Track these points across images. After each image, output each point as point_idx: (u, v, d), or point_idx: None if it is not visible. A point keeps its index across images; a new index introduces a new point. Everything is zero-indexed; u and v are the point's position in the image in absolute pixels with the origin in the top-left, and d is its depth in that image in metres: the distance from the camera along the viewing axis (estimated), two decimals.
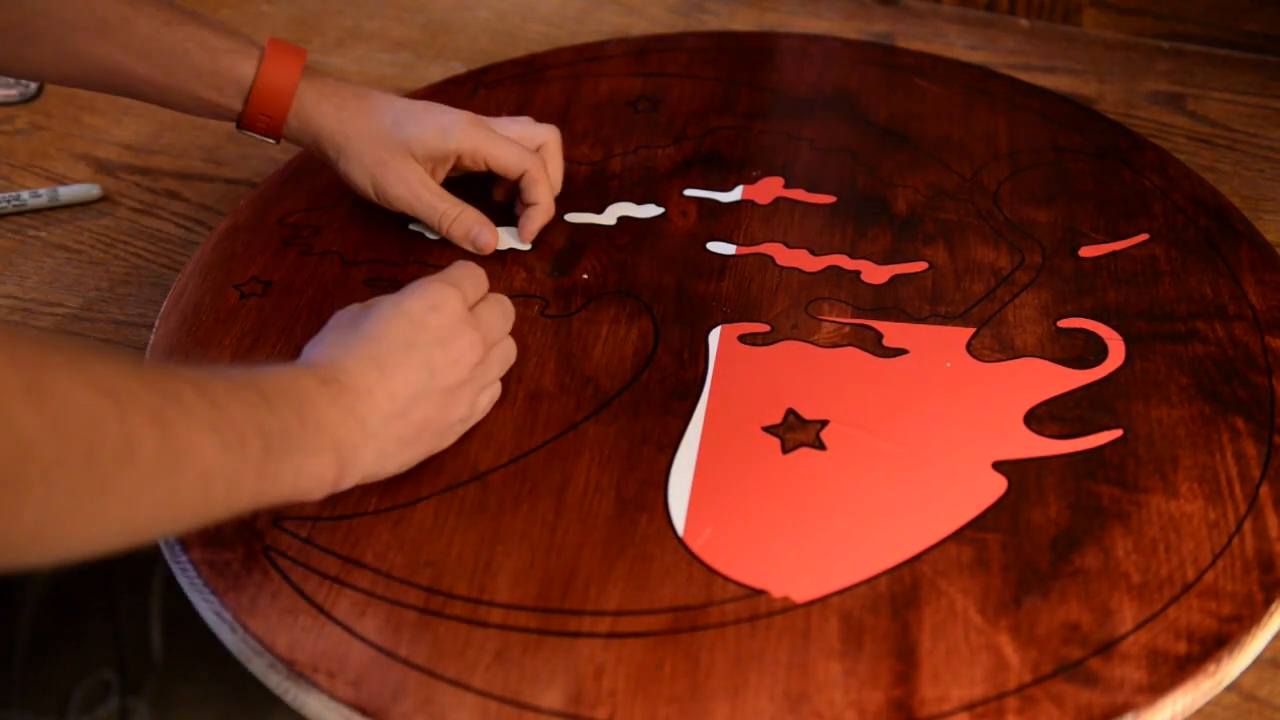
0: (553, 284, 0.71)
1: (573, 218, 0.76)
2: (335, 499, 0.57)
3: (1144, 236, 0.72)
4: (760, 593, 0.54)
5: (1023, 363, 0.64)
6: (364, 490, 0.58)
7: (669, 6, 1.05)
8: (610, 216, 0.76)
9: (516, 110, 0.84)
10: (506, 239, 0.74)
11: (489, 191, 0.76)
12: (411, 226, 0.75)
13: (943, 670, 0.51)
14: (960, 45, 0.98)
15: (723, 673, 0.51)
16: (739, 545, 0.56)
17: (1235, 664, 0.52)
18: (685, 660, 0.52)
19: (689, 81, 0.87)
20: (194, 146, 0.93)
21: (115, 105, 0.97)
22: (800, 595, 0.54)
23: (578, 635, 0.53)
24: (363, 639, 0.53)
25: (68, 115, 0.96)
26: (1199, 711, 0.52)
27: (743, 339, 0.67)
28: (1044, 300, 0.68)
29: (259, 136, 0.72)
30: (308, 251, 0.74)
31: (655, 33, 0.98)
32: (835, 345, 0.66)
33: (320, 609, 0.55)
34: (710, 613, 0.54)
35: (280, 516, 0.58)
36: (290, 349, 0.67)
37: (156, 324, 0.70)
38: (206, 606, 0.56)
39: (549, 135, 0.75)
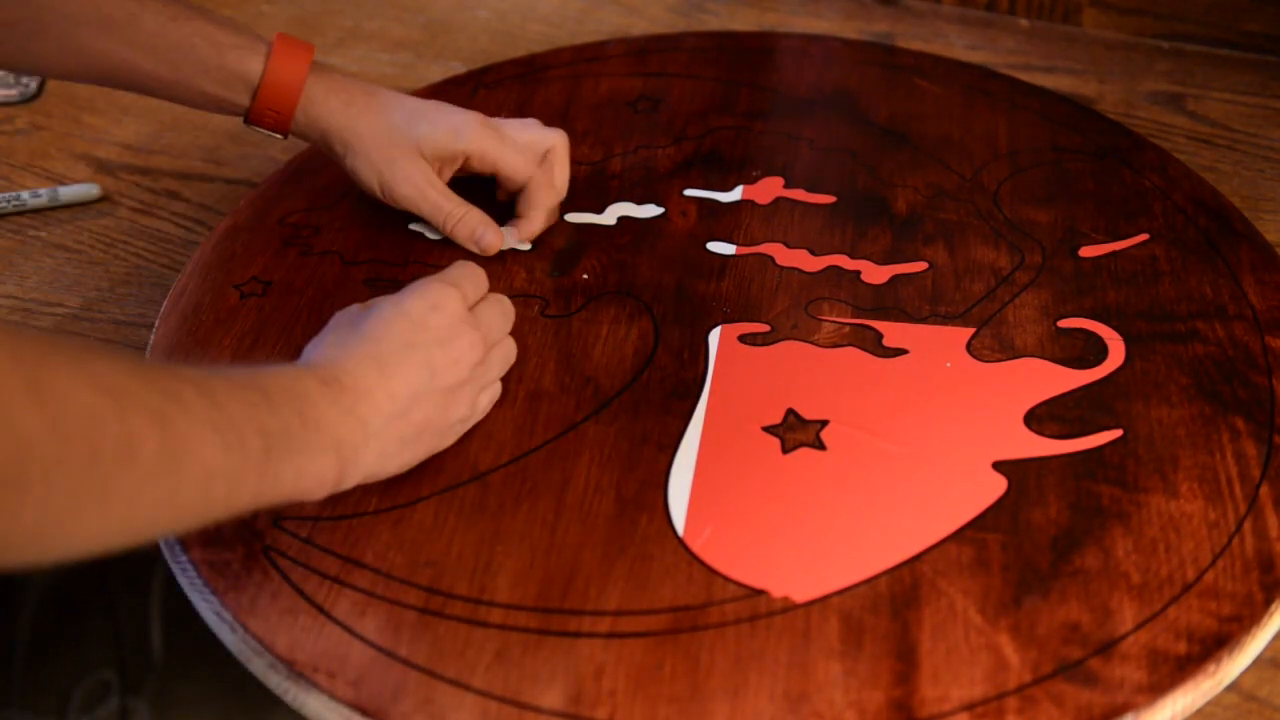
0: (553, 284, 0.71)
1: (573, 218, 0.76)
2: (335, 499, 0.56)
3: (1144, 236, 0.72)
4: (760, 593, 0.54)
5: (1023, 363, 0.64)
6: (364, 490, 0.58)
7: (669, 6, 1.05)
8: (610, 216, 0.76)
9: (516, 110, 0.84)
10: (507, 239, 0.74)
11: (492, 191, 0.76)
12: (412, 226, 0.75)
13: (943, 670, 0.51)
14: (960, 45, 0.98)
15: (723, 673, 0.51)
16: (739, 545, 0.56)
17: (1235, 664, 0.52)
18: (685, 660, 0.52)
19: (689, 81, 0.87)
20: (194, 146, 0.93)
21: (115, 105, 0.97)
22: (800, 595, 0.54)
23: (578, 635, 0.53)
24: (363, 639, 0.53)
25: (68, 115, 0.96)
26: (1199, 711, 0.52)
27: (743, 339, 0.67)
28: (1044, 300, 0.68)
29: (266, 132, 0.72)
30: (308, 251, 0.74)
31: (655, 33, 0.98)
32: (835, 345, 0.66)
33: (320, 609, 0.55)
34: (710, 613, 0.54)
35: (280, 516, 0.58)
36: (290, 349, 0.67)
37: (156, 324, 0.70)
38: (206, 606, 0.56)
39: (557, 140, 0.75)
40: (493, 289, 0.64)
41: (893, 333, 0.66)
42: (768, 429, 0.61)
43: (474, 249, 0.72)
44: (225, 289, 0.71)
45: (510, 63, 0.90)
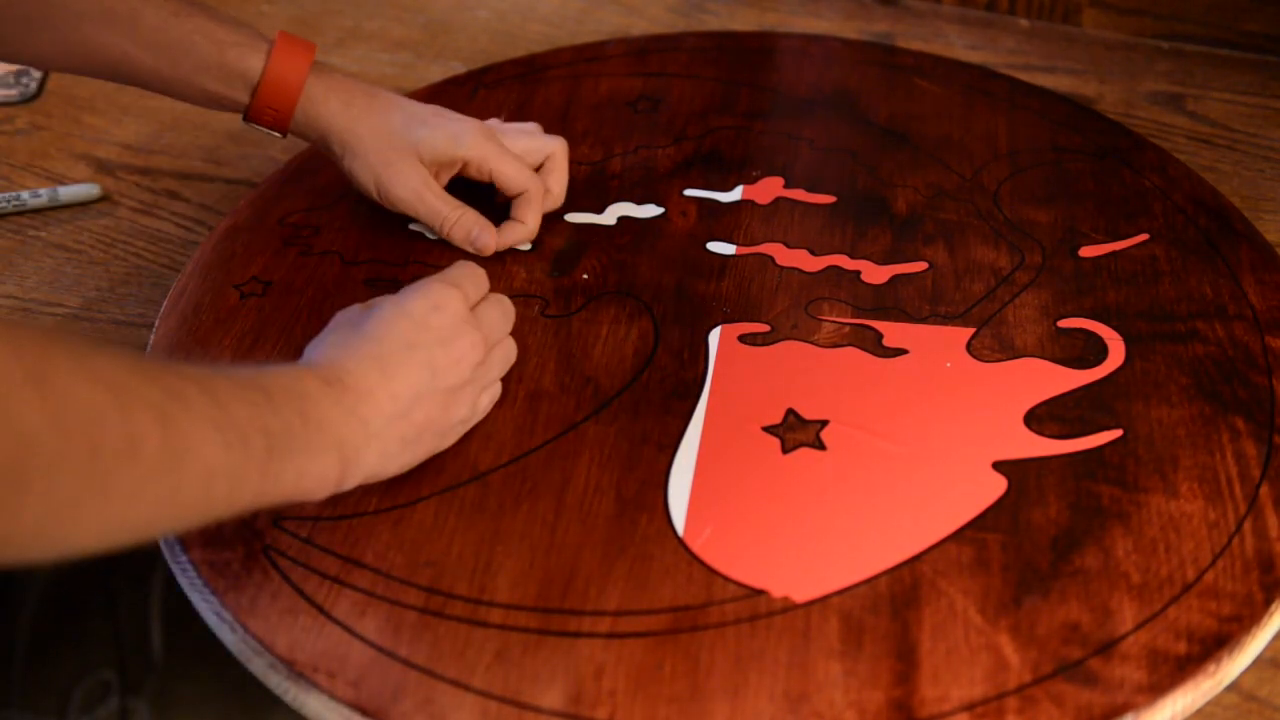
0: (553, 284, 0.71)
1: (573, 218, 0.76)
2: (335, 499, 0.56)
3: (1144, 236, 0.72)
4: (760, 593, 0.54)
5: (1023, 363, 0.64)
6: (364, 490, 0.58)
7: (669, 6, 1.05)
8: (610, 216, 0.76)
9: (516, 110, 0.84)
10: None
11: (489, 193, 0.76)
12: (412, 227, 0.75)
13: (943, 670, 0.51)
14: (960, 45, 0.98)
15: (723, 673, 0.51)
16: (739, 545, 0.56)
17: (1235, 664, 0.52)
18: (685, 660, 0.52)
19: (689, 81, 0.87)
20: (194, 146, 0.93)
21: (115, 105, 0.97)
22: (800, 595, 0.54)
23: (578, 635, 0.53)
24: (363, 639, 0.53)
25: (68, 115, 0.96)
26: (1199, 711, 0.52)
27: (743, 339, 0.67)
28: (1044, 300, 0.68)
29: (265, 130, 0.71)
30: (308, 251, 0.74)
31: (655, 33, 0.98)
32: (835, 345, 0.66)
33: (320, 609, 0.55)
34: (710, 613, 0.54)
35: (280, 516, 0.58)
36: (290, 349, 0.67)
37: (156, 324, 0.70)
38: (206, 606, 0.56)
39: (556, 147, 0.75)
40: (493, 289, 0.64)
41: (893, 333, 0.66)
42: (768, 429, 0.61)
43: (470, 250, 0.72)
44: (225, 289, 0.71)
45: (510, 63, 0.90)
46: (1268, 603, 0.53)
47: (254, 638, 0.54)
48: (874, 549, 0.56)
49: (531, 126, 0.76)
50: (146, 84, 0.70)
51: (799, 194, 0.76)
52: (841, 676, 0.51)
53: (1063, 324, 0.66)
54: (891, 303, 0.68)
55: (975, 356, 0.65)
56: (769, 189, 0.77)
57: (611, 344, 0.67)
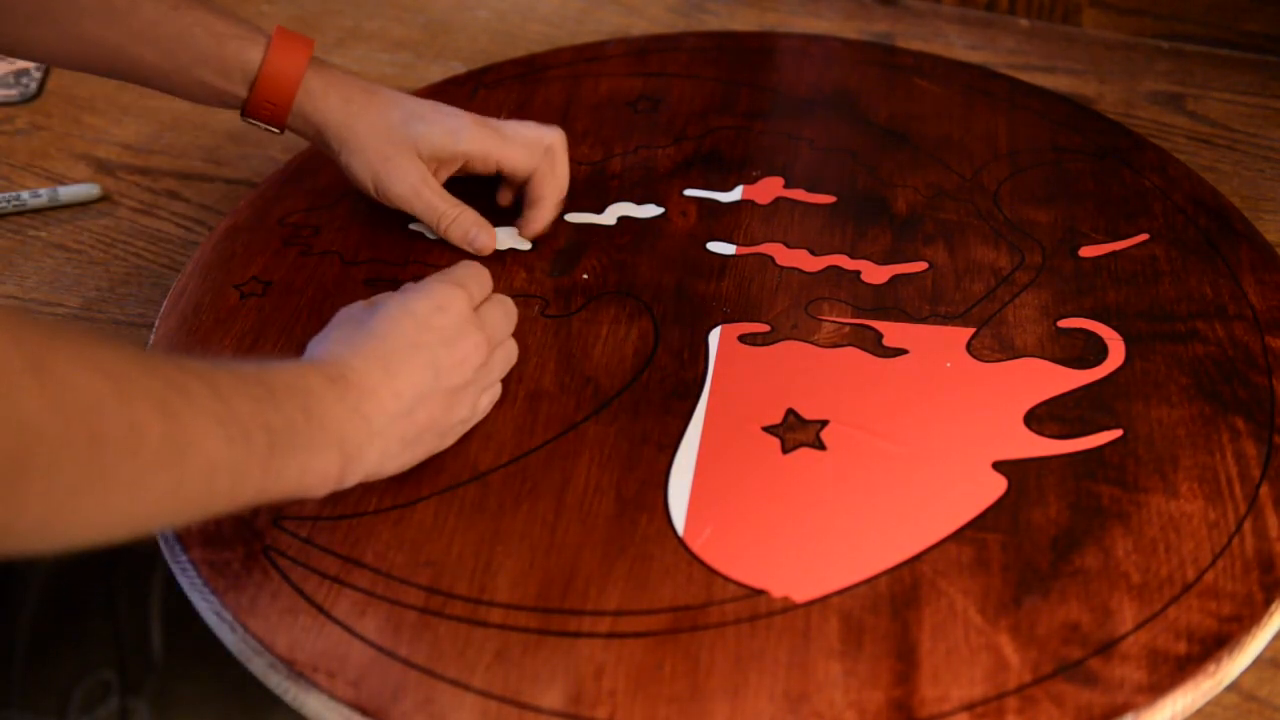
0: (553, 284, 0.71)
1: (573, 218, 0.76)
2: (335, 498, 0.57)
3: (1144, 236, 0.72)
4: (760, 593, 0.54)
5: (1023, 363, 0.64)
6: (364, 490, 0.58)
7: (669, 6, 1.05)
8: (610, 216, 0.76)
9: (516, 110, 0.84)
10: (506, 239, 0.74)
11: (489, 193, 0.76)
12: (412, 226, 0.75)
13: (943, 670, 0.51)
14: (960, 45, 0.98)
15: (723, 673, 0.51)
16: (739, 545, 0.56)
17: (1235, 664, 0.52)
18: (685, 660, 0.52)
19: (689, 81, 0.87)
20: (194, 146, 0.93)
21: (115, 105, 0.97)
22: (800, 595, 0.54)
23: (578, 635, 0.53)
24: (363, 639, 0.53)
25: (68, 115, 0.96)
26: (1199, 711, 0.52)
27: (743, 339, 0.67)
28: (1044, 300, 0.68)
29: (263, 125, 0.71)
30: (308, 251, 0.74)
31: (655, 33, 0.98)
32: (835, 345, 0.66)
33: (320, 609, 0.55)
34: (710, 613, 0.54)
35: (280, 516, 0.58)
36: (290, 349, 0.67)
37: (156, 324, 0.70)
38: (206, 606, 0.56)
39: (555, 137, 0.74)
40: (493, 289, 0.63)
41: (893, 333, 0.66)
42: (768, 429, 0.61)
43: (468, 249, 0.72)
44: (225, 289, 0.71)
45: (510, 63, 0.90)
46: (1268, 603, 0.53)
47: (254, 637, 0.54)
48: (874, 549, 0.56)
49: (527, 122, 0.76)
50: (144, 79, 0.70)
51: (799, 194, 0.76)
52: (841, 676, 0.51)
53: (1063, 324, 0.66)
54: (891, 303, 0.68)
55: (975, 356, 0.65)
56: (769, 189, 0.77)
57: (611, 344, 0.67)
